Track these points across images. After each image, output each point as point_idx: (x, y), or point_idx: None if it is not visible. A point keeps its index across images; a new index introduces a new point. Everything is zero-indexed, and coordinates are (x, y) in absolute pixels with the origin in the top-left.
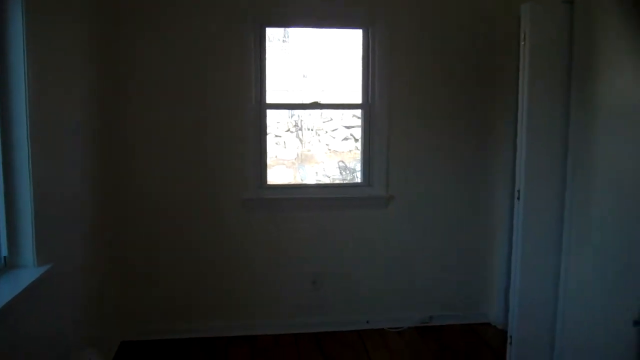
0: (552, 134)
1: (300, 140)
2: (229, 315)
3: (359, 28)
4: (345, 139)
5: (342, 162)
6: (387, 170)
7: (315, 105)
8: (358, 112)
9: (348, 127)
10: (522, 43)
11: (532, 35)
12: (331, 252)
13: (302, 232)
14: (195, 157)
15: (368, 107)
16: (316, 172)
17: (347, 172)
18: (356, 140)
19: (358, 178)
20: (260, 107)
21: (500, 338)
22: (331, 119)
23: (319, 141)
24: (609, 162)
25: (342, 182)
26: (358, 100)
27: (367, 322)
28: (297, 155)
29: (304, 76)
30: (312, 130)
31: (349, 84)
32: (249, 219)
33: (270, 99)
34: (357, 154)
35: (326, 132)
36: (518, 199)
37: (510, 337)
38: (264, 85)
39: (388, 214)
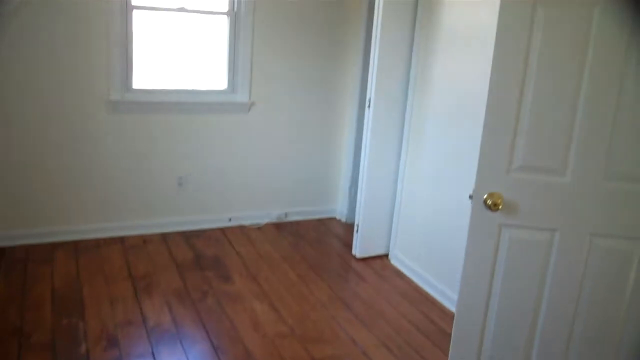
0: (400, 51)
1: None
2: (95, 218)
3: None
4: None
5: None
6: (250, 78)
7: (182, 9)
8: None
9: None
10: None
11: None
12: (196, 154)
13: (168, 135)
14: (61, 61)
15: (234, 15)
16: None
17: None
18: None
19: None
20: (126, 8)
21: (345, 229)
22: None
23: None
24: (442, 77)
25: (208, 89)
26: (223, 8)
27: (230, 220)
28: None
29: None
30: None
31: None
32: (115, 122)
33: (137, 1)
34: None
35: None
36: (369, 107)
37: (357, 226)
38: None
39: (250, 119)
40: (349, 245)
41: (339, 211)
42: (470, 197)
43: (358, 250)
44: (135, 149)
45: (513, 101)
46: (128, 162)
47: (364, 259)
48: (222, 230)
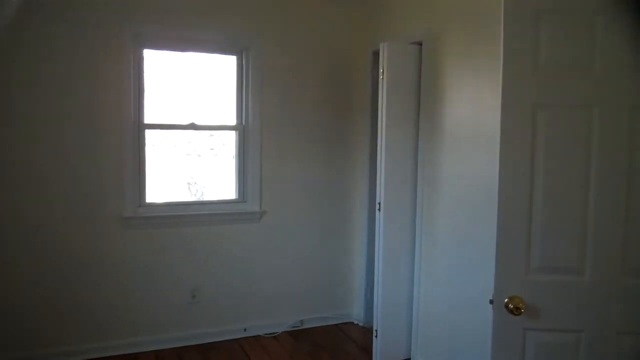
0: (406, 154)
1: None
2: (108, 336)
3: (234, 54)
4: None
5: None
6: (260, 187)
7: (192, 127)
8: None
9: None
10: (381, 77)
11: (389, 69)
12: (209, 265)
13: (180, 248)
14: (74, 176)
15: (242, 129)
16: (192, 188)
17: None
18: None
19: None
20: (138, 127)
21: (363, 334)
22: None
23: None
24: (449, 176)
25: (219, 199)
26: (231, 121)
27: (245, 330)
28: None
29: (180, 98)
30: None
31: (222, 106)
32: (129, 237)
33: (149, 119)
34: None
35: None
36: (379, 210)
37: (376, 331)
38: (142, 105)
39: (261, 228)
40: (368, 351)
41: (356, 315)
42: (491, 301)
43: (379, 357)
44: (147, 263)
45: (524, 203)
46: (140, 277)
47: None
48: (238, 341)
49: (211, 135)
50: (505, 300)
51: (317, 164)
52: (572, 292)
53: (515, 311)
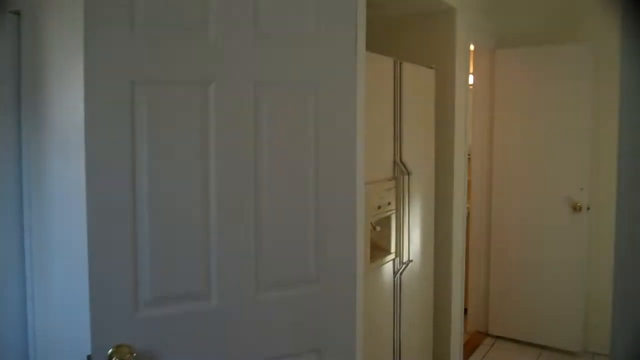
0: (3, 154)
1: None
2: None
3: None
4: None
5: None
6: None
7: None
8: None
9: None
10: None
11: None
12: None
13: None
14: None
15: None
16: None
17: None
18: None
19: None
20: None
21: None
22: None
23: None
24: (61, 188)
25: None
26: None
27: None
28: None
29: None
30: None
31: None
32: None
33: None
34: None
35: None
36: None
37: None
38: None
39: None
40: None
41: None
42: (89, 358)
43: None
44: None
45: (124, 220)
46: None
47: None
48: None
49: None
50: (109, 352)
51: None
52: (197, 322)
53: None
